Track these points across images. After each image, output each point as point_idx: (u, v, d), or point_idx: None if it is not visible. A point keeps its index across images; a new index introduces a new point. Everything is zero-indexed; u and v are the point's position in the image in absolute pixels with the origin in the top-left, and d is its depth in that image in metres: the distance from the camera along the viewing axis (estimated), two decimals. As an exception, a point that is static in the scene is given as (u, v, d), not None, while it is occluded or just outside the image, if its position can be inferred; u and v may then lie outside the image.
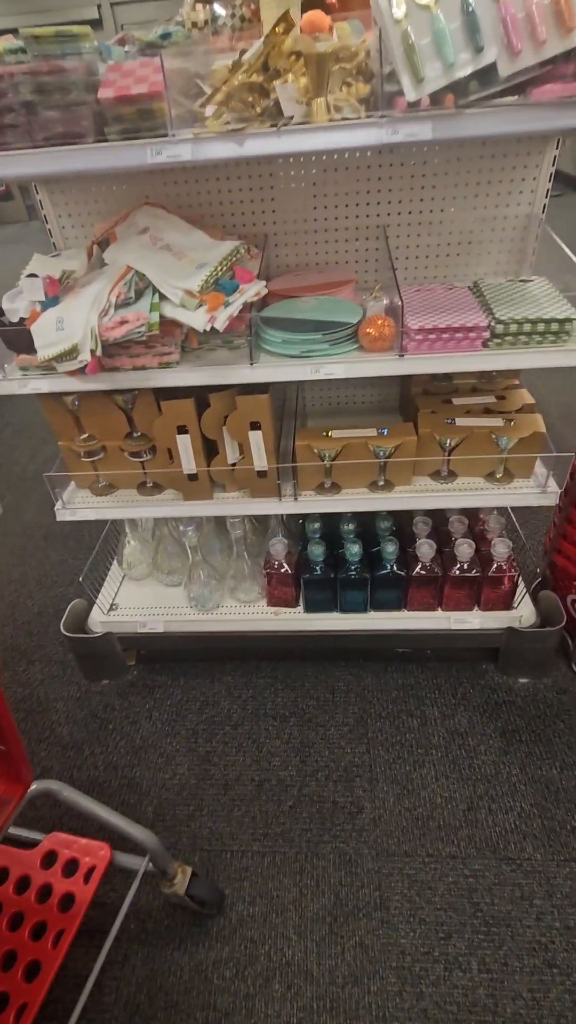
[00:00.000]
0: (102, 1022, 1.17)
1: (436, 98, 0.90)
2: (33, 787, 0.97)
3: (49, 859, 1.13)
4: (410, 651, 1.82)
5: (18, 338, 1.19)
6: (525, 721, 1.63)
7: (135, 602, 1.84)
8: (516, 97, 0.89)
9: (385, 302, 1.29)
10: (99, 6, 9.69)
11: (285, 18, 0.95)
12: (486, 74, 0.87)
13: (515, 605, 1.68)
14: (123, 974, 1.23)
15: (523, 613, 1.66)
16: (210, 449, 1.48)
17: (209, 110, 1.00)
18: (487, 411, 1.49)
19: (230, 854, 1.41)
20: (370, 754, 1.59)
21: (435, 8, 0.84)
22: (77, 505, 1.56)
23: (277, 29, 0.94)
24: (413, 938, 1.24)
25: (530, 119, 0.89)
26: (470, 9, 0.83)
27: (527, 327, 1.16)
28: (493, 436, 1.42)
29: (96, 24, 9.87)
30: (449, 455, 1.47)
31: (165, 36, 1.14)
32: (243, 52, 1.04)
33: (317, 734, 1.65)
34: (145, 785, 1.56)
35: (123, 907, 1.09)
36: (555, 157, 1.40)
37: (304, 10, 1.31)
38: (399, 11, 0.85)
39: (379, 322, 1.20)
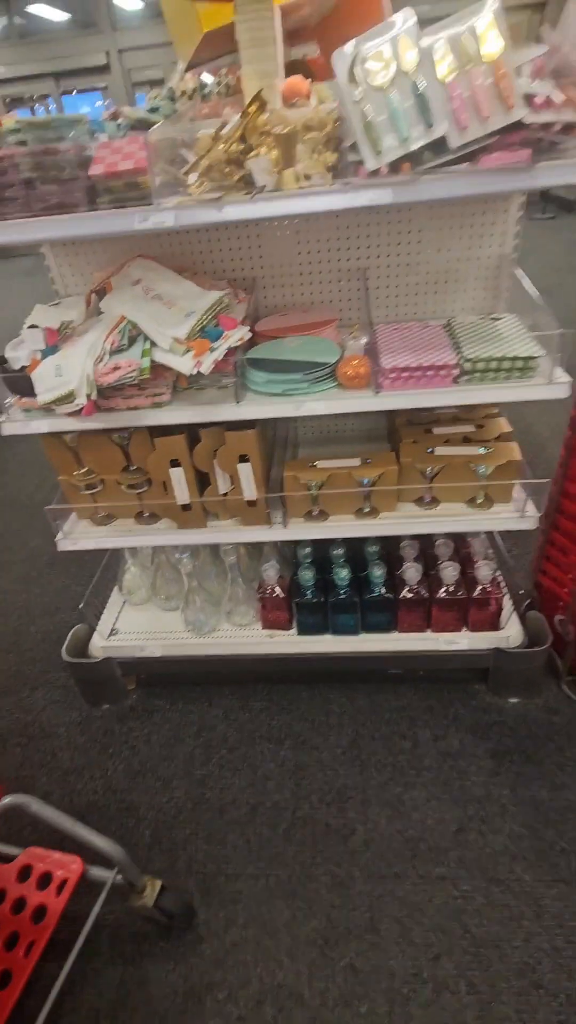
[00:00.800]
0: (98, 1045, 1.20)
1: (395, 166, 0.99)
2: (4, 801, 1.04)
3: (24, 873, 1.20)
4: (402, 672, 1.86)
5: (20, 384, 1.29)
6: (516, 742, 1.66)
7: (135, 627, 1.90)
8: (466, 164, 0.97)
9: (364, 341, 1.37)
10: (107, 53, 10.22)
11: (258, 98, 1.05)
12: (438, 145, 0.96)
13: (503, 626, 1.72)
14: (118, 997, 1.26)
15: (511, 633, 1.70)
16: (202, 481, 1.55)
17: (191, 178, 1.10)
18: (466, 439, 1.56)
19: (224, 877, 1.44)
20: (363, 776, 1.62)
21: (388, 90, 0.94)
22: (78, 535, 1.64)
23: (251, 108, 1.04)
24: (403, 960, 1.26)
25: (479, 183, 0.97)
26: (419, 92, 0.93)
27: (494, 364, 1.24)
28: (472, 464, 1.48)
29: (104, 68, 10.40)
30: (431, 483, 1.53)
31: (153, 110, 1.25)
32: (223, 125, 1.15)
33: (311, 757, 1.68)
34: (143, 809, 1.60)
35: (90, 917, 1.14)
36: (522, 203, 1.49)
37: (290, 73, 1.43)
38: (357, 93, 0.94)
39: (355, 362, 1.28)
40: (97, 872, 1.20)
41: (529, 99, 0.92)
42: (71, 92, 10.34)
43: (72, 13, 9.54)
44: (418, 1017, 1.18)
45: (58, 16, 9.47)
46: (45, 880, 1.19)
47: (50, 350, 1.28)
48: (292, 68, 1.54)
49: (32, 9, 9.13)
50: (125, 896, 1.24)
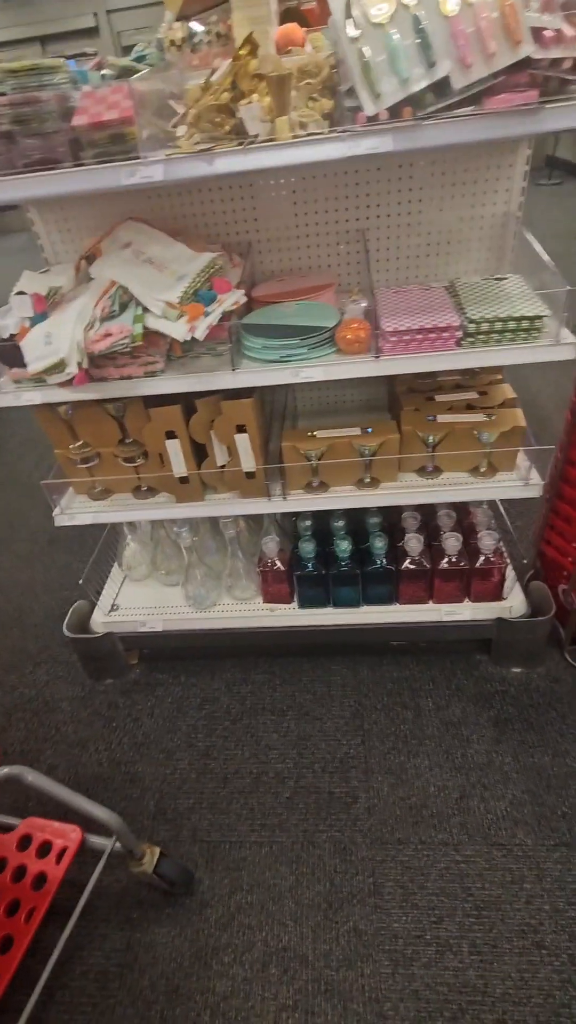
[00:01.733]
0: (106, 1007, 1.23)
1: (395, 111, 0.93)
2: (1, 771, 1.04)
3: (24, 842, 1.22)
4: (404, 644, 1.86)
5: (9, 353, 1.25)
6: (518, 710, 1.66)
7: (135, 602, 1.90)
8: (471, 107, 0.92)
9: (364, 305, 1.33)
10: (95, 14, 9.82)
11: (249, 40, 0.99)
12: (441, 87, 0.91)
13: (505, 596, 1.70)
14: (125, 960, 1.29)
15: (513, 603, 1.69)
16: (199, 453, 1.52)
17: (181, 130, 1.04)
18: (469, 407, 1.52)
19: (229, 845, 1.46)
20: (365, 746, 1.62)
21: (388, 27, 0.88)
22: (75, 510, 1.62)
23: (242, 52, 0.98)
24: (405, 922, 1.28)
25: (485, 128, 0.92)
26: (421, 26, 0.87)
27: (498, 325, 1.19)
28: (475, 431, 1.45)
29: (93, 31, 10.01)
30: (433, 451, 1.50)
31: (140, 59, 1.18)
32: (213, 72, 1.09)
33: (314, 727, 1.69)
34: (147, 780, 1.62)
35: (90, 882, 1.15)
36: (529, 156, 1.43)
37: (283, 21, 1.36)
38: (354, 31, 0.89)
39: (355, 325, 1.24)
40: (96, 840, 1.22)
41: (537, 33, 0.87)
42: (58, 58, 9.98)
43: (58, -28, 9.14)
44: (421, 977, 1.20)
45: (43, -25, 9.06)
46: (45, 849, 1.21)
47: (39, 317, 1.24)
48: (287, 17, 1.46)
49: (16, -32, 8.74)
50: (125, 863, 1.25)
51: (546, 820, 1.42)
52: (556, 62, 0.88)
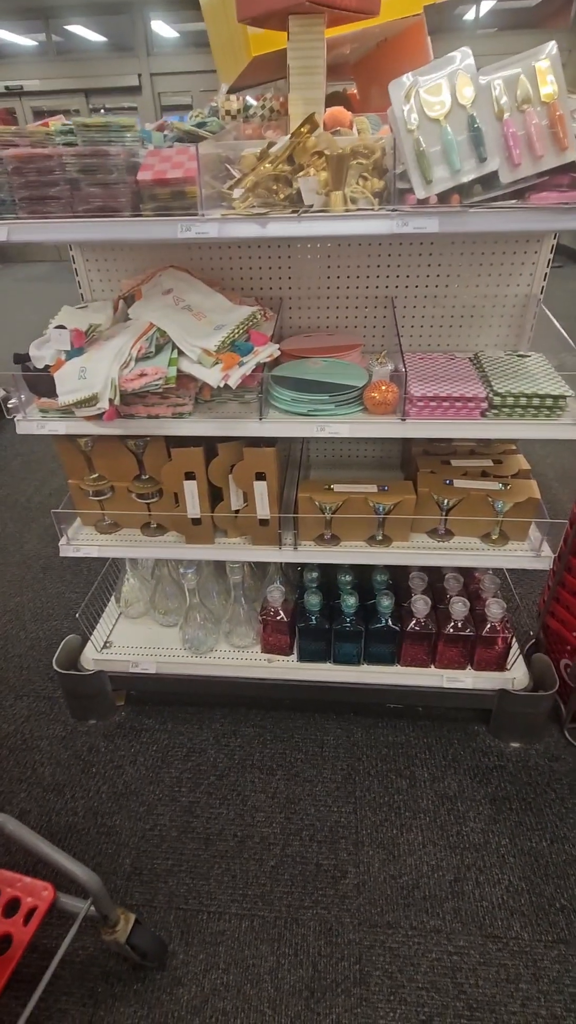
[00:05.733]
0: None
1: (443, 196, 0.99)
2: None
3: None
4: (401, 708, 1.81)
5: (41, 383, 1.26)
6: (516, 788, 1.61)
7: (129, 641, 1.84)
8: (515, 201, 0.98)
9: (390, 367, 1.36)
10: (139, 75, 10.54)
11: (310, 120, 1.06)
12: (489, 179, 0.97)
13: (508, 667, 1.68)
14: (86, 1042, 1.17)
15: (516, 675, 1.66)
16: (215, 496, 1.52)
17: (236, 193, 1.09)
18: (484, 474, 1.54)
19: (207, 915, 1.36)
20: (357, 815, 1.55)
21: (444, 122, 0.94)
22: (81, 542, 1.59)
23: (303, 129, 1.04)
24: (392, 1019, 1.18)
25: (527, 220, 0.98)
26: (475, 125, 0.93)
27: (523, 400, 1.23)
28: (489, 499, 1.46)
29: (136, 90, 10.71)
30: (446, 515, 1.51)
31: (200, 125, 1.25)
32: (271, 144, 1.15)
33: (304, 790, 1.61)
34: (124, 835, 1.52)
35: (60, 950, 1.05)
36: (553, 245, 1.51)
37: (328, 105, 1.46)
38: (412, 122, 0.95)
39: (383, 387, 1.27)
40: (69, 901, 1.12)
41: (582, 143, 0.93)
42: (99, 110, 10.61)
43: (108, 37, 9.86)
44: None
45: (95, 37, 9.77)
46: (13, 907, 1.11)
47: (75, 352, 1.26)
48: (331, 100, 1.57)
49: (71, 28, 9.41)
50: (96, 929, 1.16)
51: (543, 912, 1.34)
52: (597, 169, 0.94)
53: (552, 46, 0.93)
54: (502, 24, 7.87)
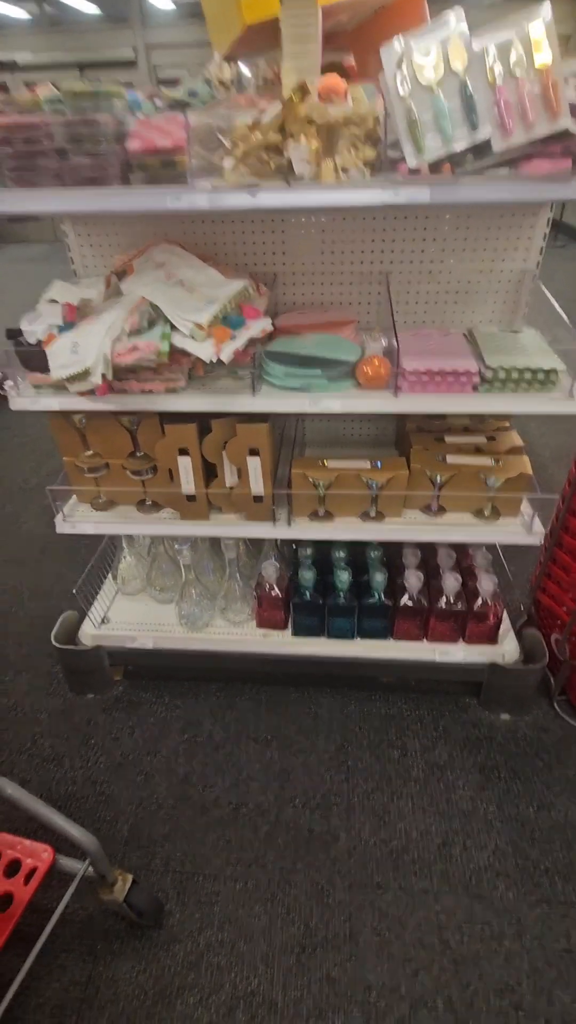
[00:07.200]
0: (61, 1044, 1.16)
1: (435, 166, 0.98)
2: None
3: None
4: (394, 681, 1.84)
5: (34, 358, 1.26)
6: (504, 758, 1.64)
7: (126, 617, 1.87)
8: (508, 170, 0.97)
9: (383, 343, 1.36)
10: (135, 48, 10.27)
11: (302, 87, 1.04)
12: (481, 148, 0.96)
13: (499, 641, 1.71)
14: (85, 995, 1.22)
15: (507, 649, 1.69)
16: (209, 472, 1.53)
17: (227, 163, 1.08)
18: (477, 450, 1.55)
19: (202, 877, 1.40)
20: (349, 783, 1.59)
21: (436, 89, 0.93)
22: (77, 518, 1.61)
23: (294, 97, 1.03)
24: (380, 973, 1.23)
25: (520, 190, 0.97)
26: (468, 92, 0.92)
27: (515, 374, 1.23)
28: (482, 475, 1.47)
29: (131, 64, 10.44)
30: (439, 491, 1.52)
31: (192, 94, 1.24)
32: (262, 112, 1.14)
33: (297, 760, 1.65)
34: (122, 803, 1.56)
35: (58, 908, 1.09)
36: (549, 219, 1.50)
37: (324, 73, 1.43)
38: (404, 90, 0.94)
39: (376, 362, 1.27)
40: (67, 862, 1.16)
41: (574, 109, 0.92)
42: (119, 85, 10.37)
43: (102, 8, 9.58)
44: (394, 1033, 1.15)
45: (90, 8, 9.49)
46: (13, 868, 1.15)
47: (67, 326, 1.26)
48: (327, 70, 1.54)
49: (64, -1, 9.14)
50: (95, 889, 1.20)
51: (528, 874, 1.39)
52: (589, 137, 0.94)
53: (546, 6, 0.91)
54: (506, -7, 7.66)
